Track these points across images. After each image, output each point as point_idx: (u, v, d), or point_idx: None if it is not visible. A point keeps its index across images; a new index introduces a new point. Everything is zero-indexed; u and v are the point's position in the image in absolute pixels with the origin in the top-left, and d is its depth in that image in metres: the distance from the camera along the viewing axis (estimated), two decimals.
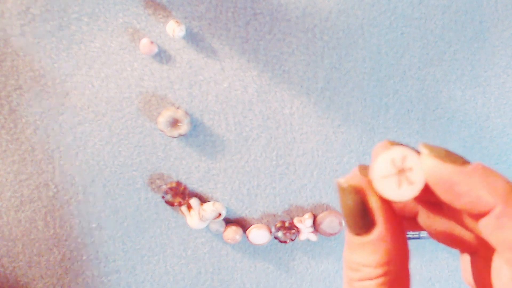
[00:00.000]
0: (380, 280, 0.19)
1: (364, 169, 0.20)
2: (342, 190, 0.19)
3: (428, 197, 0.20)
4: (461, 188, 0.18)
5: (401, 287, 0.19)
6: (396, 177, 0.19)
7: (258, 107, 0.37)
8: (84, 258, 0.39)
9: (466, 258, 0.22)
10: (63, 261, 0.39)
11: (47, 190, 0.37)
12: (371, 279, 0.19)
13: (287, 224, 0.39)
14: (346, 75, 0.37)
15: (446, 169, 0.18)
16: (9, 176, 0.36)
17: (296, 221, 0.39)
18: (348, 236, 0.20)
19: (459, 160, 0.18)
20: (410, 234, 0.41)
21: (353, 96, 0.37)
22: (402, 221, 0.20)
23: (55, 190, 0.37)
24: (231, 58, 0.35)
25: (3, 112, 0.35)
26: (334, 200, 0.39)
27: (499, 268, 0.19)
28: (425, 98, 0.38)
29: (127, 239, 0.39)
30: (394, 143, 0.20)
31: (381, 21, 0.35)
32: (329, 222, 0.39)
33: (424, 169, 0.19)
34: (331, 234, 0.39)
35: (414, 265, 0.43)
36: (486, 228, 0.18)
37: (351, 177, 0.19)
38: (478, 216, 0.18)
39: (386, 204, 0.19)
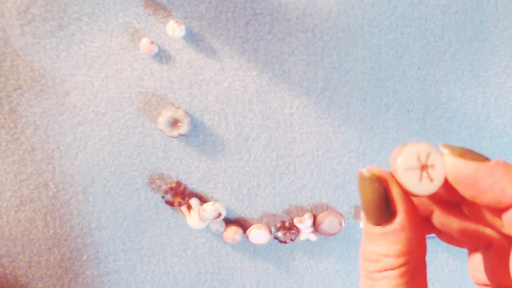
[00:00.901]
0: (402, 269, 0.19)
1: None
2: (363, 180, 0.19)
3: (444, 196, 0.20)
4: (485, 183, 0.18)
5: (419, 277, 0.19)
6: (418, 171, 0.20)
7: (258, 107, 0.37)
8: (84, 258, 0.39)
9: (476, 257, 0.22)
10: (63, 261, 0.39)
11: (47, 190, 0.37)
12: (392, 269, 0.19)
13: (287, 224, 0.39)
14: (346, 75, 0.37)
15: (468, 166, 0.19)
16: (9, 176, 0.36)
17: (296, 221, 0.39)
18: (367, 227, 0.20)
19: (480, 157, 0.19)
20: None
21: (353, 96, 0.37)
22: (419, 213, 0.20)
23: (55, 190, 0.37)
24: (231, 58, 0.35)
25: (3, 112, 0.35)
26: (334, 200, 0.39)
27: None
28: (425, 98, 0.38)
29: (127, 239, 0.39)
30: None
31: (381, 21, 0.35)
32: (329, 222, 0.39)
33: (445, 168, 0.19)
34: (331, 234, 0.39)
35: None
36: (511, 220, 0.18)
37: (373, 168, 0.20)
38: (501, 210, 0.19)
39: (407, 194, 0.20)
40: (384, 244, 0.19)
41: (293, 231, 0.39)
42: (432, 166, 0.20)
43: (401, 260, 0.19)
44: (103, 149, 0.36)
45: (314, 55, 0.36)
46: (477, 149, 0.39)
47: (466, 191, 0.19)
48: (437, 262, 0.42)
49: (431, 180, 0.20)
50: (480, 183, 0.18)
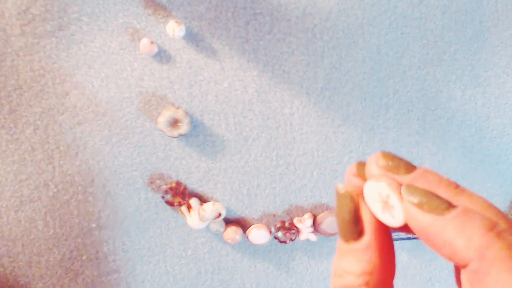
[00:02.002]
0: None
1: (361, 167, 0.20)
2: (339, 195, 0.20)
3: None
4: (438, 239, 0.17)
5: None
6: (381, 204, 0.19)
7: (258, 107, 0.37)
8: (84, 258, 0.39)
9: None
10: (63, 261, 0.39)
11: (47, 190, 0.37)
12: (352, 287, 0.19)
13: (287, 224, 0.39)
14: (346, 75, 0.37)
15: (423, 219, 0.18)
16: (9, 176, 0.36)
17: (296, 221, 0.39)
18: (338, 242, 0.20)
19: (440, 207, 0.17)
20: (411, 234, 0.40)
21: (353, 96, 0.37)
22: (390, 234, 0.20)
23: (55, 190, 0.37)
24: (231, 58, 0.35)
25: (3, 112, 0.35)
26: (334, 200, 0.39)
27: None
28: (425, 98, 0.38)
29: (127, 239, 0.39)
30: (387, 156, 0.20)
31: (381, 21, 0.35)
32: (329, 222, 0.39)
33: (404, 213, 0.18)
34: (331, 234, 0.39)
35: (414, 265, 0.43)
36: (466, 280, 0.18)
37: (349, 185, 0.20)
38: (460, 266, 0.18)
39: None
40: (348, 261, 0.19)
41: (293, 231, 0.39)
42: (392, 207, 0.19)
43: (361, 280, 0.19)
44: (103, 149, 0.36)
45: (314, 55, 0.36)
46: (477, 149, 0.39)
47: (424, 242, 0.18)
48: (437, 262, 0.42)
49: (393, 217, 0.19)
50: (434, 238, 0.18)
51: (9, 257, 0.38)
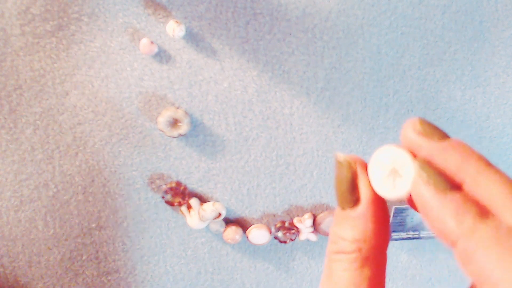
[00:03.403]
0: (353, 256, 0.19)
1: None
2: (338, 163, 0.20)
3: None
4: (434, 214, 0.18)
5: (374, 267, 0.20)
6: (387, 172, 0.20)
7: (258, 107, 0.37)
8: (84, 258, 0.39)
9: None
10: (63, 261, 0.39)
11: (47, 190, 0.37)
12: (344, 253, 0.20)
13: (287, 224, 0.39)
14: (346, 75, 0.37)
15: (426, 192, 0.18)
16: (9, 176, 0.36)
17: (296, 221, 0.39)
18: (336, 209, 0.21)
19: (443, 187, 0.18)
20: (410, 234, 0.41)
21: (353, 96, 0.37)
22: (386, 205, 0.21)
23: (55, 190, 0.37)
24: (231, 58, 0.35)
25: (3, 112, 0.35)
26: (334, 200, 0.39)
27: None
28: (425, 98, 0.38)
29: (127, 239, 0.39)
30: (424, 124, 0.20)
31: (381, 21, 0.35)
32: (329, 222, 0.39)
33: (411, 185, 0.19)
34: None
35: (414, 265, 0.43)
36: (457, 259, 0.18)
37: (349, 155, 0.20)
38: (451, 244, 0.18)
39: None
40: (344, 228, 0.20)
41: (293, 231, 0.39)
42: (401, 176, 0.19)
43: (353, 246, 0.20)
44: (103, 149, 0.36)
45: (314, 55, 0.36)
46: (477, 149, 0.39)
47: (420, 213, 0.19)
48: (437, 262, 0.42)
49: (394, 186, 0.19)
50: (430, 212, 0.18)
51: (9, 257, 0.38)
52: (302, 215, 0.39)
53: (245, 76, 0.36)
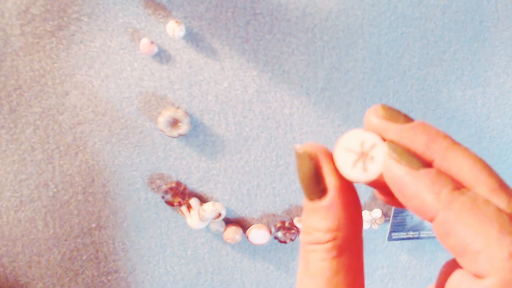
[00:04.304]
0: (329, 245, 0.19)
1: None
2: (298, 155, 0.20)
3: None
4: (409, 190, 0.18)
5: (350, 254, 0.20)
6: (355, 156, 0.20)
7: (258, 107, 0.37)
8: (84, 258, 0.39)
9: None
10: (63, 261, 0.39)
11: (47, 190, 0.37)
12: (320, 243, 0.19)
13: (287, 224, 0.39)
14: (346, 75, 0.37)
15: (399, 170, 0.19)
16: (9, 176, 0.36)
17: (296, 221, 0.39)
18: (304, 201, 0.20)
19: (415, 164, 0.18)
20: (410, 234, 0.41)
21: (353, 96, 0.37)
22: (354, 190, 0.20)
23: (55, 190, 0.37)
24: (231, 58, 0.35)
25: (3, 112, 0.35)
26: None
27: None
28: (425, 98, 0.38)
29: (127, 239, 0.39)
30: (387, 109, 0.20)
31: (381, 21, 0.35)
32: None
33: (383, 165, 0.19)
34: None
35: (414, 265, 0.43)
36: (436, 233, 0.18)
37: (308, 145, 0.20)
38: (429, 221, 0.19)
39: (339, 172, 0.20)
40: (315, 219, 0.20)
41: (293, 231, 0.39)
42: (372, 158, 0.19)
43: (328, 236, 0.19)
44: (103, 149, 0.36)
45: (314, 55, 0.36)
46: (477, 149, 0.39)
47: (396, 194, 0.19)
48: (437, 262, 0.42)
49: (364, 170, 0.19)
50: (406, 189, 0.18)
51: (9, 257, 0.38)
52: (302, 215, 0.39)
53: (245, 76, 0.36)
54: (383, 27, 0.36)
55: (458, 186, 0.18)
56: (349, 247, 0.20)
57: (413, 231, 0.40)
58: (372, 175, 0.19)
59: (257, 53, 0.35)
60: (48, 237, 0.38)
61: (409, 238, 0.40)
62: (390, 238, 0.41)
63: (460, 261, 0.18)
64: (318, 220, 0.20)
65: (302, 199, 0.39)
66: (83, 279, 0.39)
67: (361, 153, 0.19)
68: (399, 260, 0.42)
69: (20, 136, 0.36)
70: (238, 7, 0.34)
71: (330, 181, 0.19)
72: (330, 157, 0.20)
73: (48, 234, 0.38)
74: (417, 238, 0.40)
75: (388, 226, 0.40)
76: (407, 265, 0.43)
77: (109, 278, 0.39)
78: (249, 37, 0.35)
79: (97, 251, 0.39)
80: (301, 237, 0.21)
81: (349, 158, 0.20)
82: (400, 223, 0.40)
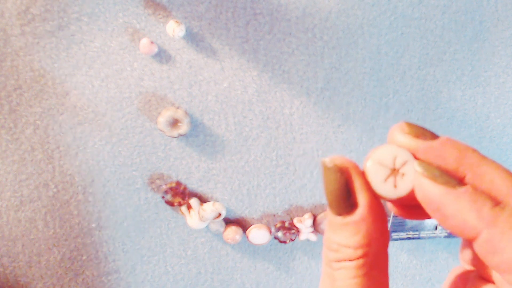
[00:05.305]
0: (360, 261, 0.19)
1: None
2: (326, 169, 0.19)
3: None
4: (449, 210, 0.18)
5: (379, 269, 0.19)
6: (387, 171, 0.19)
7: (258, 107, 0.37)
8: (84, 258, 0.39)
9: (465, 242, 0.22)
10: (63, 261, 0.39)
11: (47, 190, 0.37)
12: (350, 260, 0.19)
13: (287, 224, 0.39)
14: (346, 75, 0.37)
15: (436, 190, 0.18)
16: (9, 176, 0.36)
17: (296, 221, 0.39)
18: (330, 216, 0.20)
19: (452, 182, 0.18)
20: (410, 234, 0.41)
21: (353, 96, 0.37)
22: (382, 205, 0.20)
23: (55, 190, 0.37)
24: (231, 58, 0.35)
25: (3, 112, 0.35)
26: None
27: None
28: (425, 98, 0.38)
29: (127, 239, 0.39)
30: (412, 126, 0.20)
31: (381, 21, 0.35)
32: None
33: (414, 184, 0.19)
34: None
35: (414, 265, 0.43)
36: (480, 251, 0.18)
37: (336, 158, 0.20)
38: (469, 240, 0.18)
39: (370, 186, 0.20)
40: (344, 235, 0.19)
41: (293, 231, 0.39)
42: (403, 174, 0.19)
43: (359, 252, 0.19)
44: (103, 149, 0.36)
45: (314, 55, 0.36)
46: (477, 149, 0.39)
47: (431, 214, 0.19)
48: (437, 262, 0.42)
49: (395, 186, 0.19)
50: (445, 209, 0.18)
51: (9, 257, 0.38)
52: (302, 215, 0.39)
53: (245, 76, 0.36)
54: (383, 27, 0.36)
55: (496, 202, 0.18)
56: (379, 263, 0.19)
57: (413, 231, 0.40)
58: (401, 192, 0.19)
59: (257, 53, 0.35)
60: (48, 237, 0.38)
61: (409, 238, 0.40)
62: (390, 238, 0.41)
63: (507, 278, 0.18)
64: (348, 236, 0.19)
65: (302, 199, 0.39)
66: (83, 279, 0.39)
67: (392, 169, 0.19)
68: (399, 260, 0.42)
69: (20, 136, 0.36)
70: (238, 7, 0.34)
71: (362, 194, 0.19)
72: (360, 172, 0.20)
73: (48, 234, 0.38)
74: (417, 238, 0.40)
75: (388, 226, 0.40)
76: (407, 265, 0.43)
77: (109, 278, 0.39)
78: (249, 37, 0.35)
79: (97, 251, 0.39)
80: (326, 253, 0.20)
81: (382, 172, 0.19)
82: (400, 223, 0.40)
